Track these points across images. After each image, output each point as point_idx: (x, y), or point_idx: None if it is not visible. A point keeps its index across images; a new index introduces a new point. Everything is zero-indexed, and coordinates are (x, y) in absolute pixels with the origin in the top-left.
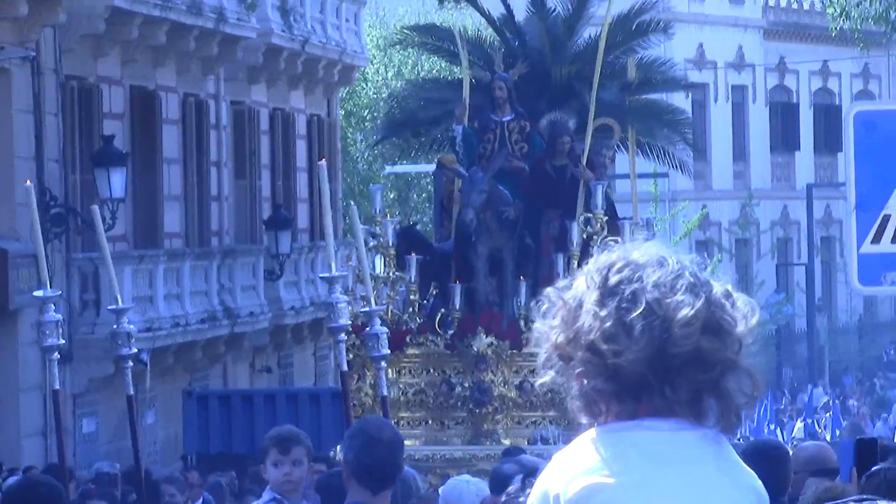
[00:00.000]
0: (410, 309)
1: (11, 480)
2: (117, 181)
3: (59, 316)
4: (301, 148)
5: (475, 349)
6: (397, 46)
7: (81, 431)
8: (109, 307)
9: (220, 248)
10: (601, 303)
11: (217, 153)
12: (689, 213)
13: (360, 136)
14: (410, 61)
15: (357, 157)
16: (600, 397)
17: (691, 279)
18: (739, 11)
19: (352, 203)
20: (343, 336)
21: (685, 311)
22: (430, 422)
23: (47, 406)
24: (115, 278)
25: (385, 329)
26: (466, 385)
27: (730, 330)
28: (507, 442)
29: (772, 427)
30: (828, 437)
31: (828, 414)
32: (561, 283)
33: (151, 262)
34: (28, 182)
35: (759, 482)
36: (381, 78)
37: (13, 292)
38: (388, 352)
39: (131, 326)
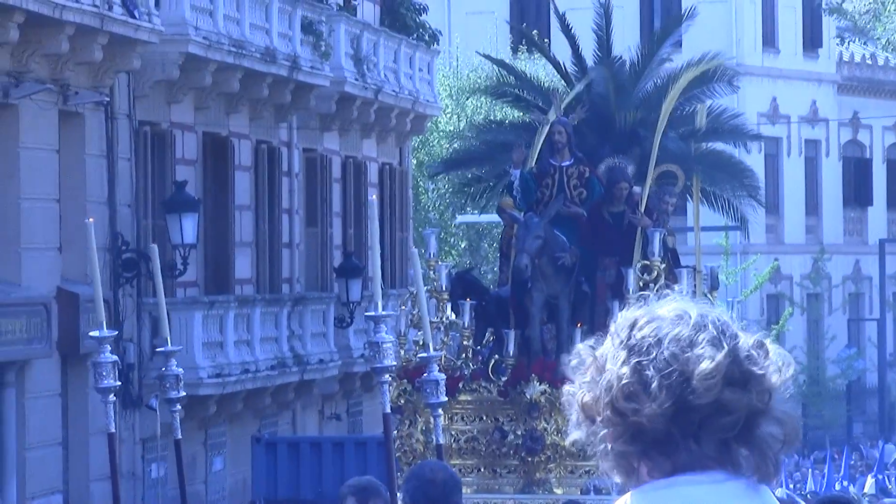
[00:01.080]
0: (464, 355)
1: None
2: (189, 226)
3: (114, 357)
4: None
5: (528, 397)
6: (471, 95)
7: (150, 476)
8: (158, 349)
9: (290, 295)
10: (622, 360)
11: (289, 200)
12: (760, 267)
13: (431, 185)
14: (483, 110)
15: (429, 207)
16: (628, 457)
17: (714, 332)
18: (813, 66)
19: (413, 248)
20: (387, 377)
21: (705, 365)
22: (482, 469)
23: (117, 450)
24: (166, 319)
25: (443, 375)
26: (519, 433)
27: (759, 381)
28: (559, 491)
29: (844, 483)
30: None
31: None
32: (591, 339)
33: (222, 307)
34: (90, 220)
35: None
36: (453, 127)
37: (83, 336)
38: (445, 399)
39: (180, 369)
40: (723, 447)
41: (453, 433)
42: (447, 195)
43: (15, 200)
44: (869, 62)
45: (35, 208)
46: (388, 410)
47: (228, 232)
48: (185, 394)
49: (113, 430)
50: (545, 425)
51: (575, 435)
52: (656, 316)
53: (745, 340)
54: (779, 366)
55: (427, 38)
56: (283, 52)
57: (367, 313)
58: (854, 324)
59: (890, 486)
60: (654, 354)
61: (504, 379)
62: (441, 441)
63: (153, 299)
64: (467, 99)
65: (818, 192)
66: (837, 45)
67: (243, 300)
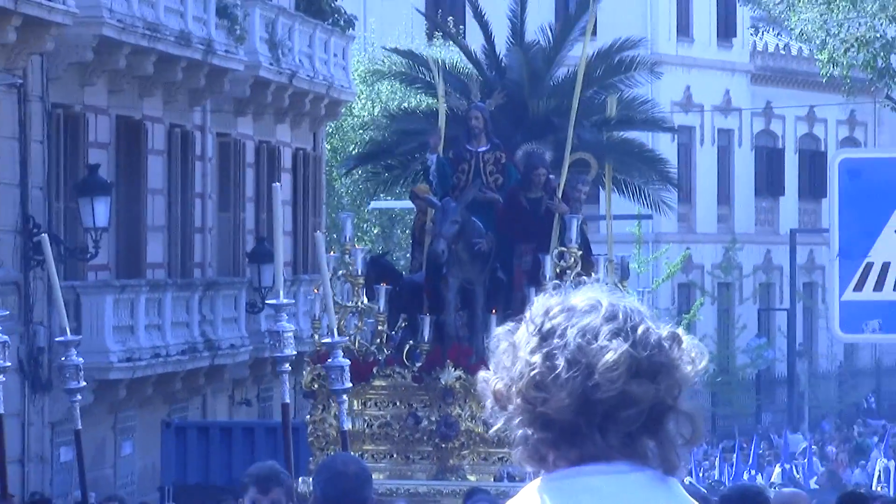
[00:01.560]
0: (378, 340)
1: None
2: (101, 210)
3: (80, 360)
4: (286, 181)
5: (443, 382)
6: (380, 78)
7: (59, 460)
8: (57, 339)
9: (202, 280)
10: (533, 349)
11: (202, 185)
12: (672, 256)
13: (341, 169)
14: (398, 96)
15: (342, 192)
16: (538, 445)
17: (621, 323)
18: (727, 55)
19: (318, 232)
20: (287, 367)
21: (608, 356)
22: (395, 455)
23: (26, 434)
24: (63, 308)
25: (347, 361)
26: (433, 419)
27: (668, 373)
28: (472, 478)
29: (752, 472)
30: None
31: (805, 460)
32: (509, 325)
33: (133, 291)
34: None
35: None
36: (367, 113)
37: None
38: (350, 385)
39: (80, 359)
40: (628, 439)
41: (367, 418)
42: (360, 181)
43: None
44: (783, 52)
45: None
46: (287, 400)
47: (141, 216)
48: (84, 384)
49: (79, 427)
50: (460, 411)
51: (497, 425)
52: (569, 305)
53: (656, 331)
54: (692, 357)
55: (342, 23)
56: (198, 35)
57: (267, 301)
58: (764, 313)
59: (798, 476)
60: (564, 344)
61: (418, 365)
62: (346, 427)
63: (65, 282)
64: (377, 83)
65: (730, 182)
66: (752, 34)
67: (155, 284)
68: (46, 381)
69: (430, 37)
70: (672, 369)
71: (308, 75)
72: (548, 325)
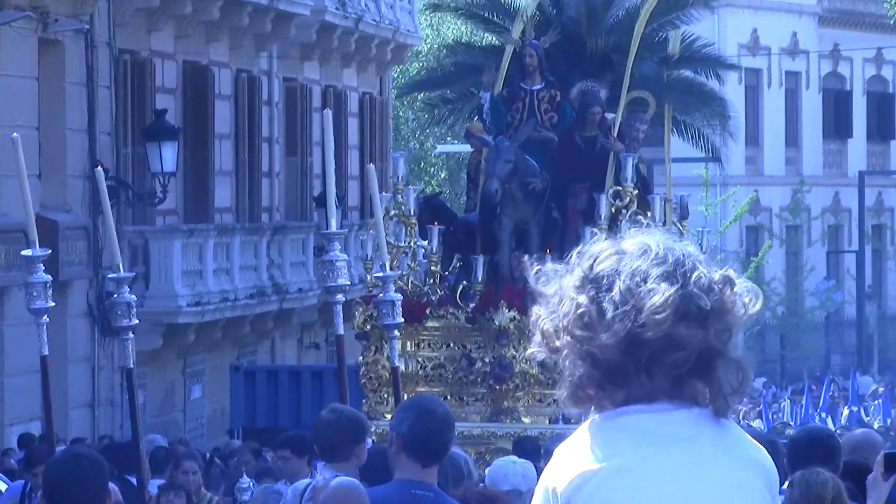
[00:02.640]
0: (431, 280)
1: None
2: (169, 155)
3: (48, 277)
4: (353, 126)
5: (497, 323)
6: (439, 10)
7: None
8: (110, 276)
9: (270, 225)
10: (580, 289)
11: (269, 130)
12: (739, 199)
13: (411, 115)
14: (461, 32)
15: (409, 136)
16: (585, 383)
17: (671, 267)
18: None
19: (370, 165)
20: (340, 297)
21: (655, 299)
22: (448, 397)
23: (96, 378)
24: (117, 244)
25: (399, 296)
26: (487, 360)
27: (719, 317)
28: (527, 420)
29: (822, 415)
30: (876, 425)
31: (876, 402)
32: (556, 265)
33: (201, 236)
34: (14, 134)
35: (766, 456)
36: (433, 58)
37: (63, 264)
38: (402, 320)
39: (132, 296)
40: (676, 381)
41: (420, 360)
42: (426, 125)
43: None
44: None
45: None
46: (341, 332)
47: (208, 161)
48: (137, 322)
49: (45, 353)
50: (514, 353)
51: (539, 356)
52: (620, 249)
53: (708, 275)
54: (745, 301)
55: None
56: None
57: (321, 231)
58: (833, 256)
59: (868, 418)
60: (611, 286)
61: (472, 305)
62: (397, 364)
63: (132, 227)
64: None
65: (798, 125)
66: None
67: (223, 229)
68: (115, 325)
69: None
70: (723, 313)
71: (374, 20)
72: (598, 268)
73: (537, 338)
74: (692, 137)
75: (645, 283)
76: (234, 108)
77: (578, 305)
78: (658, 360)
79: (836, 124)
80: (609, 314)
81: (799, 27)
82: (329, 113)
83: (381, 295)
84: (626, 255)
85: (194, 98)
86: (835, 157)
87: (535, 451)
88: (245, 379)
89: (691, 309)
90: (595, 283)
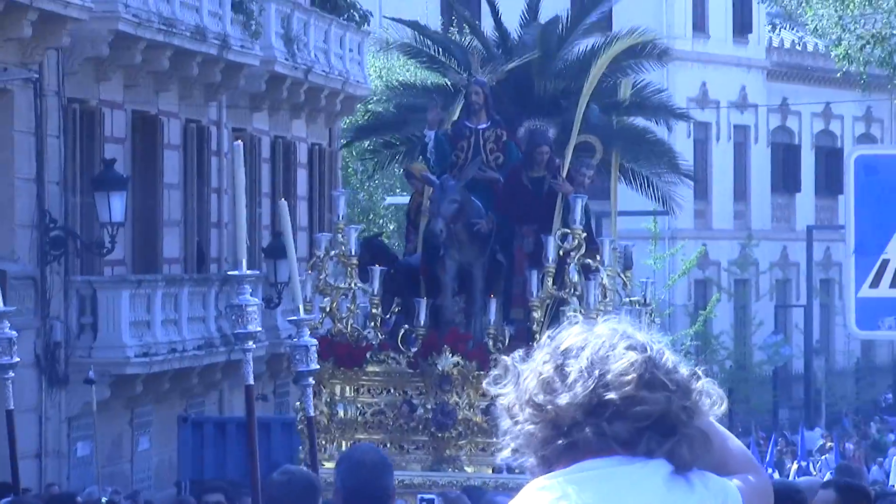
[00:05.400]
0: (372, 323)
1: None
2: (117, 205)
3: (14, 333)
4: (302, 176)
5: (440, 369)
6: (387, 49)
7: (76, 455)
8: None
9: (218, 275)
10: (546, 361)
11: (217, 179)
12: (688, 252)
13: (360, 166)
14: (407, 73)
15: (358, 188)
16: (543, 448)
17: (639, 344)
18: (743, 52)
19: (282, 201)
20: (250, 344)
21: (621, 363)
22: (388, 445)
23: (42, 428)
24: None
25: (313, 340)
26: (429, 407)
27: (684, 394)
28: (470, 469)
29: (770, 470)
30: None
31: (823, 456)
32: (517, 353)
33: (150, 287)
34: None
35: (728, 483)
36: (382, 109)
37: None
38: (317, 367)
39: (14, 333)
40: (635, 433)
41: (360, 406)
42: (376, 177)
43: None
44: (798, 48)
45: None
46: (251, 382)
47: (157, 210)
48: (18, 360)
49: (11, 407)
50: (457, 399)
51: (505, 453)
52: (589, 330)
53: (676, 361)
54: (711, 397)
55: (358, 18)
56: (214, 30)
57: (228, 272)
58: (781, 310)
59: (815, 473)
60: (578, 355)
61: (414, 350)
62: (312, 413)
63: (81, 277)
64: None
65: (747, 178)
66: (769, 31)
67: (171, 279)
68: (63, 375)
69: (445, 30)
70: (687, 392)
71: (324, 71)
72: (565, 344)
73: (505, 423)
74: (640, 186)
75: (612, 350)
76: (183, 157)
77: (542, 373)
78: (620, 414)
79: (785, 178)
80: (572, 377)
81: (748, 81)
82: (239, 145)
83: (294, 340)
84: (594, 334)
85: (143, 147)
86: (783, 211)
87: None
88: (193, 430)
89: (656, 378)
90: (563, 354)
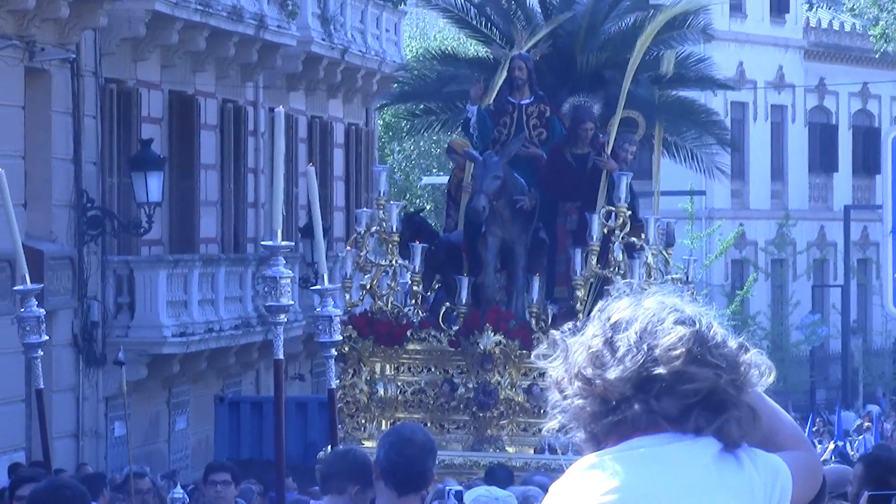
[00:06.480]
0: (413, 301)
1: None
2: (154, 185)
3: (41, 311)
4: (338, 156)
5: (481, 347)
6: (428, 31)
7: (113, 434)
8: (15, 287)
9: (255, 255)
10: (596, 336)
11: (254, 160)
12: (725, 232)
13: (397, 146)
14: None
15: (395, 168)
16: (593, 424)
17: (688, 317)
18: (780, 31)
19: (310, 166)
20: (282, 317)
21: (670, 337)
22: (428, 424)
23: (80, 408)
24: (22, 254)
25: (337, 311)
26: (470, 386)
27: (732, 368)
28: (511, 450)
29: None
30: None
31: (861, 436)
32: (567, 326)
33: (186, 266)
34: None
35: (779, 461)
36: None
37: (48, 294)
38: (339, 338)
39: (42, 311)
40: (684, 410)
41: (399, 384)
42: (413, 157)
43: None
44: (836, 28)
45: (0, 164)
46: (280, 356)
47: (194, 190)
48: (47, 338)
49: (41, 387)
50: (499, 378)
51: (552, 423)
52: (638, 303)
53: (725, 333)
54: (759, 368)
55: None
56: (250, 10)
57: (262, 242)
58: (818, 290)
59: (852, 453)
60: (627, 328)
61: (455, 328)
62: (332, 385)
63: (118, 257)
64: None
65: (784, 158)
66: (806, 11)
67: (208, 259)
68: (100, 355)
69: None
70: (735, 365)
71: (360, 51)
72: (614, 318)
73: (554, 395)
74: (685, 159)
75: (661, 324)
76: (219, 137)
77: (591, 347)
78: (668, 390)
79: (822, 158)
80: (621, 351)
81: (785, 61)
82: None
83: (317, 310)
84: (643, 307)
85: (180, 128)
86: (820, 191)
87: (509, 481)
88: (230, 410)
89: (705, 354)
90: (612, 328)
